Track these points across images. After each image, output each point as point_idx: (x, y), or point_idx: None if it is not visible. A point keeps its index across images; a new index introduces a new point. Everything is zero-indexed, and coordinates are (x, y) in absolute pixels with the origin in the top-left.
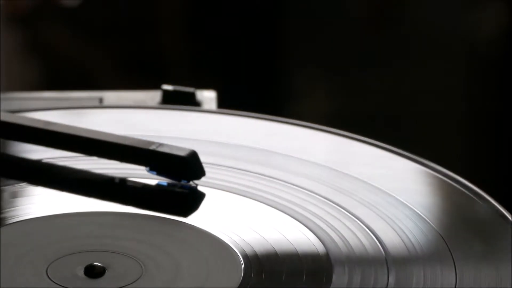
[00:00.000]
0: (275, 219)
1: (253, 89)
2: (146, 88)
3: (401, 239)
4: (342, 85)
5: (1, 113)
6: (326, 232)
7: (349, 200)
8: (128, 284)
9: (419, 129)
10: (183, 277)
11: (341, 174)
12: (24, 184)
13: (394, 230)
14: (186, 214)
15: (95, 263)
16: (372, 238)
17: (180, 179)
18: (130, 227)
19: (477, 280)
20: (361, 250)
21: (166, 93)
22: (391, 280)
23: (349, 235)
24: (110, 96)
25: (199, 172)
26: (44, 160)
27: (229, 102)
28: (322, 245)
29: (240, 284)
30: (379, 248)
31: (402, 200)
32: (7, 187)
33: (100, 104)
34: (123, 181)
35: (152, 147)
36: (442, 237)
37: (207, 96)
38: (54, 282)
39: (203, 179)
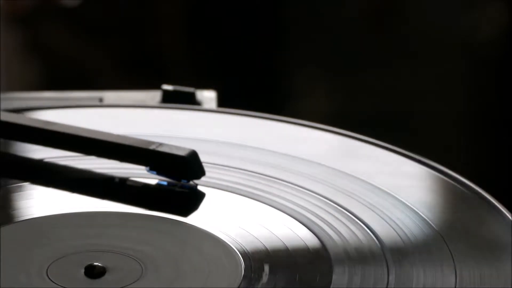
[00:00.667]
0: (275, 219)
1: (253, 89)
2: (146, 88)
3: (401, 238)
4: (342, 85)
5: (1, 113)
6: (326, 232)
7: (349, 199)
8: (128, 284)
9: (419, 129)
10: (183, 277)
11: (341, 174)
12: (24, 184)
13: (394, 230)
14: (186, 213)
15: (95, 263)
16: (372, 237)
17: (180, 179)
18: (130, 227)
19: (477, 280)
20: (361, 250)
21: (166, 93)
22: (391, 280)
23: (349, 235)
24: (110, 96)
25: (199, 172)
26: (45, 160)
27: (229, 102)
28: (322, 245)
29: (240, 284)
30: (379, 248)
31: (402, 199)
32: (7, 187)
33: (100, 104)
34: (123, 181)
35: (152, 147)
36: (442, 237)
37: (207, 96)
38: (54, 282)
39: (203, 179)
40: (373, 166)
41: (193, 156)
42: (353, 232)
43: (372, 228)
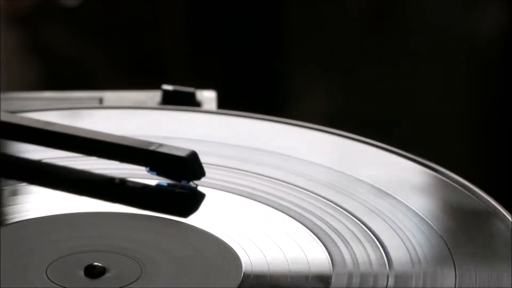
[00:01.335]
0: (275, 219)
1: (253, 89)
2: (146, 88)
3: (401, 239)
4: (342, 85)
5: (1, 113)
6: (325, 232)
7: (349, 200)
8: (128, 284)
9: (419, 129)
10: (183, 277)
11: (341, 175)
12: (24, 184)
13: (394, 230)
14: (186, 214)
15: (95, 263)
16: (372, 238)
17: (180, 179)
18: (130, 227)
19: (477, 280)
20: (361, 250)
21: (166, 93)
22: (391, 280)
23: (349, 235)
24: (110, 96)
25: (199, 172)
26: (44, 160)
27: (229, 102)
28: (321, 246)
29: (240, 284)
30: (379, 248)
31: (401, 200)
32: (7, 187)
33: (100, 105)
34: (123, 181)
35: (152, 147)
36: (442, 237)
37: (207, 96)
38: (54, 282)
39: (203, 179)
40: (373, 167)
41: (193, 157)
42: (353, 232)
43: (371, 228)
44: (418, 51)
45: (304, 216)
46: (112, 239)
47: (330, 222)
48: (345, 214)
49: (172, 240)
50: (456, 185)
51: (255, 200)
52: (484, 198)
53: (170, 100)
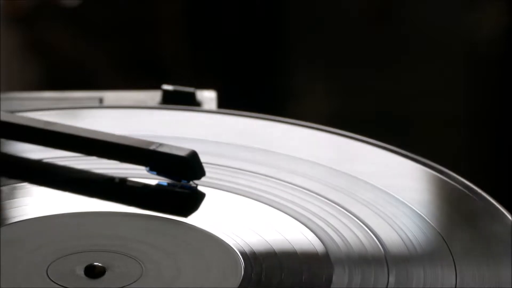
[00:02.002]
0: (275, 219)
1: (253, 89)
2: (146, 88)
3: (401, 238)
4: (342, 85)
5: (1, 113)
6: (326, 232)
7: (349, 199)
8: (128, 284)
9: (419, 129)
10: (183, 277)
11: (341, 174)
12: (24, 184)
13: (394, 230)
14: (186, 214)
15: (95, 263)
16: (372, 237)
17: (180, 179)
18: (131, 227)
19: (477, 280)
20: (361, 249)
21: (166, 93)
22: (391, 280)
23: (349, 235)
24: (110, 96)
25: (199, 172)
26: (44, 160)
27: (229, 102)
28: (322, 245)
29: (240, 284)
30: (379, 247)
31: (402, 199)
32: (7, 187)
33: (100, 104)
34: (123, 181)
35: (152, 147)
36: (442, 237)
37: (207, 96)
38: (54, 282)
39: (203, 179)
40: (373, 166)
41: (193, 156)
42: (353, 232)
43: (372, 228)
44: (418, 51)
45: (304, 216)
46: (112, 239)
47: (331, 222)
48: (345, 213)
49: (172, 240)
50: (456, 184)
51: (255, 200)
52: (484, 197)
53: (170, 100)
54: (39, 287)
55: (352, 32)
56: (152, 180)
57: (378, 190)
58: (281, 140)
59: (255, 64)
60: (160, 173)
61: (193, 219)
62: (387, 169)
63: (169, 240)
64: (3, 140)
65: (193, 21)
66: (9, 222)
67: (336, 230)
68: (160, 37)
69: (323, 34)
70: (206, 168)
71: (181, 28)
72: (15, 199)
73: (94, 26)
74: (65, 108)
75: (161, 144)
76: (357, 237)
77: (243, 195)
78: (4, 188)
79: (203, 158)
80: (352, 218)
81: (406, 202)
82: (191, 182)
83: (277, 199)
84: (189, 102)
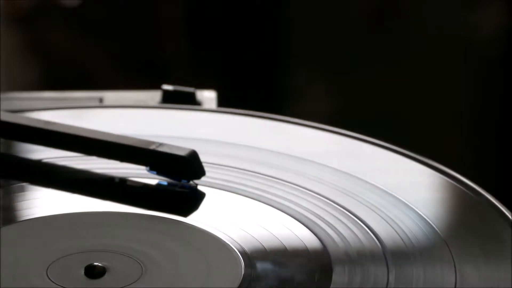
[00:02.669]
0: (275, 219)
1: (253, 89)
2: (146, 88)
3: (401, 238)
4: (342, 85)
5: (1, 113)
6: (326, 232)
7: (349, 199)
8: (128, 284)
9: (419, 129)
10: (183, 277)
11: (341, 173)
12: (24, 184)
13: (394, 229)
14: (186, 213)
15: (95, 263)
16: (372, 237)
17: (180, 178)
18: (130, 227)
19: (477, 280)
20: (361, 249)
21: (166, 93)
22: (391, 279)
23: (349, 235)
24: (110, 96)
25: (199, 171)
26: (44, 160)
27: (229, 102)
28: (322, 245)
29: (240, 284)
30: (379, 247)
31: (402, 199)
32: (7, 187)
33: (100, 104)
34: (123, 181)
35: (152, 147)
36: (442, 237)
37: (207, 96)
38: (54, 282)
39: (203, 178)
40: (373, 166)
41: (193, 156)
42: (353, 232)
43: (372, 228)
44: (418, 51)
45: (304, 216)
46: (112, 239)
47: (330, 221)
48: (345, 213)
49: (172, 240)
50: (457, 184)
51: (255, 199)
52: (485, 197)
53: (170, 100)
54: (39, 287)
55: (352, 32)
56: (152, 180)
57: (379, 190)
58: (281, 139)
59: (255, 64)
60: (160, 173)
61: (193, 219)
62: (386, 168)
63: (169, 240)
64: (3, 140)
65: (193, 21)
66: (9, 222)
67: (336, 230)
68: (160, 37)
69: (323, 34)
70: (206, 168)
71: (181, 28)
72: (15, 199)
73: (94, 26)
74: (65, 108)
75: (161, 144)
76: (357, 236)
77: (243, 195)
78: (4, 188)
79: (203, 158)
80: (352, 218)
81: (406, 202)
82: (191, 182)
83: (278, 199)
84: (189, 102)
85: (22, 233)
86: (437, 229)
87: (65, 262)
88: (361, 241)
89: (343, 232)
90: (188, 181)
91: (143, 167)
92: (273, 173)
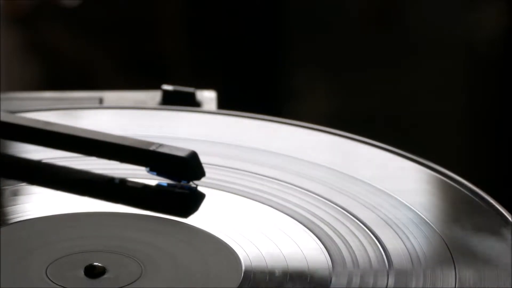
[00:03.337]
0: (275, 219)
1: (253, 89)
2: (146, 88)
3: (401, 239)
4: (342, 85)
5: (1, 113)
6: (325, 232)
7: (349, 200)
8: (128, 284)
9: (419, 129)
10: (183, 277)
11: (341, 175)
12: (24, 184)
13: (394, 230)
14: (186, 214)
15: (95, 263)
16: (372, 238)
17: (180, 179)
18: (130, 227)
19: (477, 280)
20: (361, 250)
21: (166, 93)
22: (391, 280)
23: (349, 235)
24: (110, 96)
25: (199, 172)
26: (44, 160)
27: (229, 102)
28: (321, 246)
29: (240, 284)
30: (379, 248)
31: (401, 200)
32: (7, 187)
33: (100, 105)
34: (123, 181)
35: (152, 148)
36: (442, 237)
37: (207, 96)
38: (54, 282)
39: (203, 179)
40: (372, 167)
41: (193, 157)
42: (353, 233)
43: (371, 229)
44: (418, 51)
45: (303, 216)
46: (112, 239)
47: (330, 222)
48: (345, 213)
49: (172, 240)
50: (456, 185)
51: (255, 200)
52: (484, 198)
53: (170, 100)
54: (39, 287)
55: (352, 32)
56: (152, 180)
57: (378, 191)
58: (281, 140)
59: (255, 64)
60: (160, 173)
61: (193, 220)
62: (386, 170)
63: (169, 240)
64: (3, 140)
65: (193, 21)
66: (9, 222)
67: (336, 231)
68: (160, 37)
69: (323, 34)
70: (206, 169)
71: (181, 28)
72: (15, 199)
73: (94, 26)
74: (65, 108)
75: (161, 145)
76: (357, 237)
77: (243, 196)
78: (4, 188)
79: (203, 159)
80: (352, 219)
81: (405, 203)
82: (191, 183)
83: (277, 199)
84: (189, 102)
85: (22, 233)
86: (436, 230)
87: (65, 262)
88: (361, 242)
89: (342, 233)
90: (188, 182)
91: (143, 168)
92: (273, 174)
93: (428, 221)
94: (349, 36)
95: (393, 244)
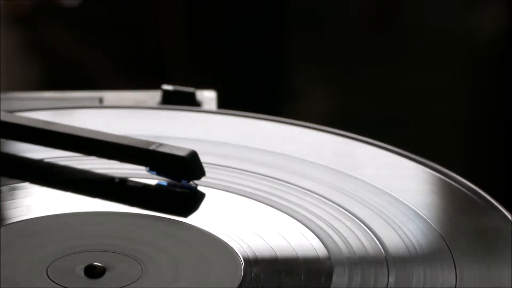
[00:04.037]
0: (275, 219)
1: (253, 89)
2: (146, 88)
3: (401, 238)
4: (342, 85)
5: (1, 113)
6: (325, 232)
7: (349, 200)
8: (128, 284)
9: (419, 129)
10: (183, 277)
11: (341, 174)
12: (24, 184)
13: (394, 230)
14: (186, 214)
15: (95, 263)
16: (372, 238)
17: (180, 179)
18: (130, 227)
19: (477, 280)
20: (361, 250)
21: (166, 93)
22: (391, 280)
23: (349, 235)
24: (110, 96)
25: (199, 172)
26: (45, 160)
27: (229, 102)
28: (322, 245)
29: (240, 284)
30: (379, 248)
31: (402, 200)
32: (7, 187)
33: (100, 104)
34: (123, 181)
35: (152, 147)
36: (442, 237)
37: (207, 96)
38: (54, 282)
39: (203, 179)
40: (372, 167)
41: (193, 157)
42: (353, 233)
43: (372, 229)
44: (418, 51)
45: (304, 216)
46: (112, 239)
47: (330, 222)
48: (345, 213)
49: (172, 240)
50: (456, 184)
51: (255, 199)
52: (484, 197)
53: (170, 100)
54: (39, 287)
55: (352, 32)
56: (152, 180)
57: (378, 191)
58: (281, 140)
59: (255, 64)
60: (160, 173)
61: (193, 219)
62: (387, 170)
63: (169, 240)
64: (3, 140)
65: (193, 22)
66: (9, 222)
67: (336, 231)
68: (160, 37)
69: (323, 34)
70: (206, 168)
71: (181, 28)
72: (15, 199)
73: (94, 26)
74: (65, 108)
75: (161, 144)
76: (357, 237)
77: (243, 195)
78: (4, 188)
79: (203, 158)
80: (352, 218)
81: (406, 202)
82: (191, 182)
83: (277, 199)
84: (189, 102)
85: (22, 233)
86: (436, 229)
87: (65, 262)
88: (361, 241)
89: (343, 233)
90: (188, 181)
91: (143, 168)
92: (273, 174)
93: (428, 220)
94: (349, 36)
95: (393, 244)
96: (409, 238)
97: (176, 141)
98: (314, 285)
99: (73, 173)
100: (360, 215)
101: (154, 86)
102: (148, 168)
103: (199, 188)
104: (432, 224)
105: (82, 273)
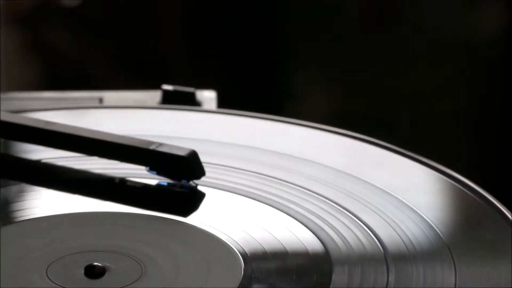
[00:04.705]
0: (275, 219)
1: (253, 89)
2: (146, 88)
3: (401, 238)
4: (342, 85)
5: (1, 113)
6: (326, 232)
7: (349, 199)
8: (128, 284)
9: (419, 129)
10: (183, 277)
11: (341, 174)
12: (24, 184)
13: (394, 229)
14: (186, 214)
15: (95, 263)
16: (372, 237)
17: (180, 179)
18: (130, 227)
19: (477, 280)
20: (361, 249)
21: (166, 93)
22: (391, 279)
23: (349, 235)
24: (110, 96)
25: (199, 172)
26: (44, 160)
27: (229, 102)
28: (322, 245)
29: (240, 284)
30: (379, 247)
31: (402, 199)
32: (7, 187)
33: (100, 104)
34: (123, 181)
35: (152, 147)
36: (442, 237)
37: (207, 96)
38: (54, 282)
39: (203, 179)
40: (373, 166)
41: (193, 156)
42: (353, 232)
43: (372, 228)
44: (418, 51)
45: (304, 216)
46: (112, 239)
47: (331, 222)
48: (345, 213)
49: (172, 240)
50: (457, 184)
51: (255, 199)
52: (485, 196)
53: (170, 100)
54: (39, 287)
55: (352, 32)
56: (152, 180)
57: (378, 190)
58: (281, 140)
59: (255, 64)
60: (160, 173)
61: (192, 219)
62: (387, 169)
63: (169, 240)
64: (3, 140)
65: (193, 21)
66: (9, 222)
67: (336, 231)
68: (160, 37)
69: (323, 34)
70: (206, 168)
71: (181, 28)
72: (15, 199)
73: (94, 26)
74: (65, 108)
75: (161, 144)
76: (357, 236)
77: (243, 195)
78: (4, 188)
79: (203, 158)
80: (352, 218)
81: (406, 202)
82: (191, 182)
83: (277, 199)
84: (189, 102)
85: (22, 233)
86: (436, 229)
87: (65, 262)
88: (361, 241)
89: (343, 233)
90: (188, 181)
91: (143, 167)
92: (273, 173)
93: (428, 220)
94: (349, 36)
95: (393, 244)
96: (408, 237)
97: (176, 141)
98: (314, 285)
99: (73, 173)
100: (360, 214)
101: (154, 86)
102: (148, 168)
103: (199, 188)
104: (432, 224)
105: (82, 273)
